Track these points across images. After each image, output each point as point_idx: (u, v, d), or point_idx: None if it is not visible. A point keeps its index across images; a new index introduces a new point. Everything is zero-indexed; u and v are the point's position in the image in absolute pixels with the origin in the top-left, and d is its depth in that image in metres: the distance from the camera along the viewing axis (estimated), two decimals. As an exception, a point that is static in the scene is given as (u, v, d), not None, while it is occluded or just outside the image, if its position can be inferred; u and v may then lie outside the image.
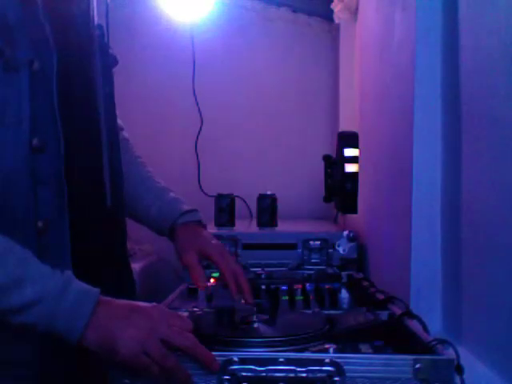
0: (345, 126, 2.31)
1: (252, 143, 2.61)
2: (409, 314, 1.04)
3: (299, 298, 1.32)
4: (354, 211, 1.99)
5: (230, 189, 2.07)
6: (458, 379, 0.84)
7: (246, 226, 2.15)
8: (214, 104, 2.56)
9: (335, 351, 0.89)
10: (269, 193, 2.04)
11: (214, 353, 0.86)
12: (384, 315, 1.08)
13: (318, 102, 2.63)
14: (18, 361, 0.92)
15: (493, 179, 0.96)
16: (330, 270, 1.71)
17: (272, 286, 1.42)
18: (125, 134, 1.32)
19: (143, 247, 2.34)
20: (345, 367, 0.84)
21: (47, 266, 0.86)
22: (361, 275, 1.56)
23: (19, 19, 0.90)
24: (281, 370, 0.85)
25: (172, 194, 1.31)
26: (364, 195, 1.87)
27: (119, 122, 1.25)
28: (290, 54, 2.61)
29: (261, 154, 2.61)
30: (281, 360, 0.85)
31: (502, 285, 0.92)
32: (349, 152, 2.03)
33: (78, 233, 0.97)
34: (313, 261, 1.79)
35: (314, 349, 0.91)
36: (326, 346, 0.91)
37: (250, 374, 0.85)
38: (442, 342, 0.89)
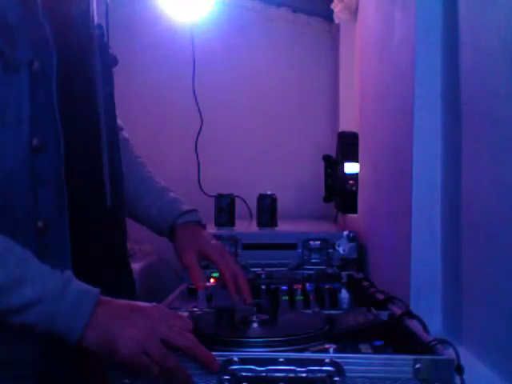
0: (345, 126, 2.31)
1: (252, 143, 2.61)
2: (409, 313, 1.04)
3: (299, 297, 1.32)
4: (354, 211, 2.00)
5: (229, 189, 2.07)
6: (457, 379, 0.84)
7: (246, 226, 2.15)
8: (214, 104, 2.56)
9: (335, 351, 0.89)
10: (269, 193, 2.04)
11: (214, 353, 0.86)
12: (384, 315, 1.08)
13: (317, 102, 2.63)
14: (18, 361, 0.92)
15: (493, 179, 0.96)
16: (329, 270, 1.71)
17: (272, 286, 1.42)
18: (125, 133, 1.32)
19: (143, 247, 2.34)
20: (345, 367, 0.84)
21: (47, 266, 0.86)
22: (361, 275, 1.56)
23: (19, 19, 0.90)
24: (281, 369, 0.85)
25: (172, 194, 1.31)
26: (364, 195, 1.87)
27: (119, 122, 1.25)
28: (290, 54, 2.61)
29: (261, 154, 2.61)
30: (281, 360, 0.85)
31: (501, 285, 0.92)
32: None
33: (78, 233, 0.97)
34: (313, 261, 1.79)
35: (314, 349, 0.91)
36: (326, 346, 0.91)
37: (250, 374, 0.85)
38: (442, 341, 0.89)
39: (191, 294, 1.40)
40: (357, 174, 2.00)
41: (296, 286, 1.40)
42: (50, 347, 0.91)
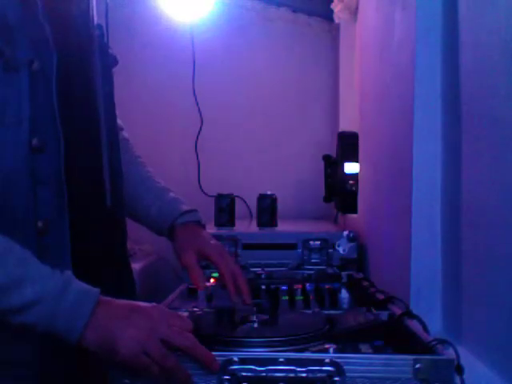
0: (345, 126, 2.31)
1: (252, 143, 2.61)
2: (409, 313, 1.04)
3: (299, 298, 1.32)
4: (354, 211, 2.00)
5: (229, 189, 2.07)
6: (457, 379, 0.84)
7: (246, 226, 2.15)
8: (214, 104, 2.56)
9: (335, 351, 0.89)
10: (269, 193, 2.04)
11: (214, 353, 0.86)
12: (384, 315, 1.08)
13: (317, 102, 2.63)
14: (18, 361, 0.92)
15: (493, 179, 0.96)
16: (329, 270, 1.71)
17: (272, 286, 1.42)
18: (125, 133, 1.32)
19: (143, 247, 2.34)
20: (345, 367, 0.84)
21: (47, 266, 0.86)
22: (361, 275, 1.56)
23: (19, 19, 0.90)
24: (281, 369, 0.85)
25: (172, 194, 1.31)
26: (364, 195, 1.87)
27: (119, 121, 1.25)
28: (290, 54, 2.61)
29: (261, 154, 2.61)
30: (281, 360, 0.85)
31: (501, 285, 0.92)
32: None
33: (78, 233, 0.97)
34: (313, 261, 1.79)
35: (314, 349, 0.91)
36: (326, 345, 0.91)
37: (250, 374, 0.85)
38: (442, 341, 0.89)
39: (191, 294, 1.40)
40: (357, 173, 2.00)
41: (296, 286, 1.40)
42: (50, 347, 0.91)
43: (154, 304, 0.91)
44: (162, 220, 1.27)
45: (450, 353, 0.86)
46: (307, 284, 1.43)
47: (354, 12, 2.18)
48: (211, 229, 1.77)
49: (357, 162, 1.99)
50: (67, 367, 0.95)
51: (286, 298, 1.32)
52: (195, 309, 1.19)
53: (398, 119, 1.35)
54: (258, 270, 1.63)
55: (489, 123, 0.98)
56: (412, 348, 0.90)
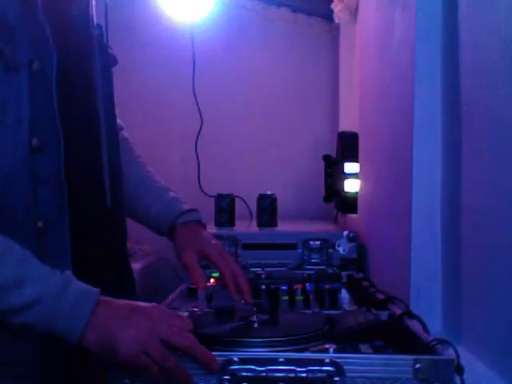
0: (345, 126, 2.31)
1: (252, 143, 2.61)
2: (409, 314, 1.04)
3: (299, 297, 1.32)
4: (354, 211, 2.00)
5: (230, 189, 2.07)
6: (457, 379, 0.84)
7: (246, 226, 2.15)
8: (214, 104, 2.56)
9: (335, 351, 0.89)
10: (269, 193, 2.04)
11: (214, 353, 0.86)
12: (384, 315, 1.08)
13: (317, 101, 2.63)
14: (18, 361, 0.92)
15: (493, 179, 0.96)
16: (329, 270, 1.71)
17: (272, 286, 1.42)
18: (124, 133, 1.32)
19: (143, 247, 2.34)
20: (345, 367, 0.84)
21: (47, 266, 0.86)
22: (361, 275, 1.56)
23: (19, 19, 0.90)
24: (281, 369, 0.85)
25: (172, 194, 1.31)
26: (364, 195, 1.87)
27: (119, 121, 1.24)
28: (289, 54, 2.61)
29: (261, 154, 2.61)
30: (281, 360, 0.85)
31: (502, 285, 0.92)
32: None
33: (78, 233, 0.97)
34: (313, 261, 1.79)
35: (314, 349, 0.91)
36: (326, 345, 0.91)
37: (250, 374, 0.85)
38: (442, 341, 0.89)
39: (191, 293, 1.40)
40: (357, 173, 2.00)
41: (296, 286, 1.40)
42: (50, 347, 0.91)
43: (154, 304, 0.91)
44: (163, 219, 1.27)
45: (449, 353, 0.86)
46: (307, 284, 1.43)
47: (354, 12, 2.17)
48: (211, 229, 1.77)
49: (357, 162, 1.99)
50: (67, 367, 0.95)
51: (286, 298, 1.32)
52: (195, 309, 1.19)
53: (398, 119, 1.35)
54: (258, 269, 1.63)
55: (489, 123, 0.98)
56: (412, 348, 0.90)
